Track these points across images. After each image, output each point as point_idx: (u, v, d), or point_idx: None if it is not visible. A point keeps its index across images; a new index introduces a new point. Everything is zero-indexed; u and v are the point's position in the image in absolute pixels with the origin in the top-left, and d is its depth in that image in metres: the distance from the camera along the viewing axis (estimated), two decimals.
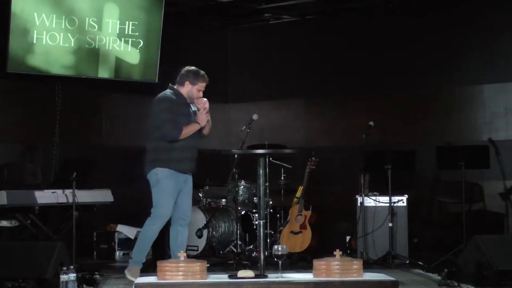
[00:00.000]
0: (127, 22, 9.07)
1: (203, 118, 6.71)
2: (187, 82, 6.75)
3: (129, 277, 6.62)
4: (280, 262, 5.73)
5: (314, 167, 8.69)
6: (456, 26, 9.59)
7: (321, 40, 10.44)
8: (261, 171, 6.28)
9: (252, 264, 7.64)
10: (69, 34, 8.70)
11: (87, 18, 8.80)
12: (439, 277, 6.68)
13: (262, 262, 6.11)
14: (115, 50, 9.06)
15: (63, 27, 8.64)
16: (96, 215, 8.47)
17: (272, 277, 5.75)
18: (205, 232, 8.77)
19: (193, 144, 6.75)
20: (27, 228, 7.91)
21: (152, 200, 6.75)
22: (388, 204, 8.33)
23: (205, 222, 8.78)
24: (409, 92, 9.85)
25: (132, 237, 8.80)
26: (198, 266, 5.64)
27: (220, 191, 9.41)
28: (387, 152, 8.46)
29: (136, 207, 9.00)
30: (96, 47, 8.93)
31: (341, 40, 10.32)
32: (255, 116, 8.09)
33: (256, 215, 8.15)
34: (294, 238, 8.64)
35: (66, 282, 5.33)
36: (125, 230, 8.86)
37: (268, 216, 8.55)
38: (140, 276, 6.42)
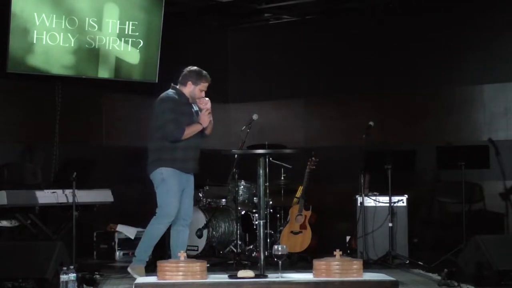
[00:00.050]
0: (127, 22, 9.07)
1: (206, 119, 6.72)
2: (189, 82, 6.76)
3: (134, 275, 6.61)
4: (280, 262, 5.74)
5: (314, 167, 8.69)
6: (456, 26, 9.59)
7: (321, 40, 10.44)
8: (261, 171, 6.29)
9: (252, 264, 7.64)
10: (69, 34, 8.70)
11: (87, 18, 8.80)
12: (439, 277, 6.68)
13: (262, 262, 6.12)
14: (115, 50, 9.06)
15: (63, 27, 8.64)
16: (96, 215, 8.47)
17: (272, 277, 5.75)
18: (205, 232, 8.78)
19: (196, 144, 6.77)
20: (27, 228, 7.91)
21: (156, 199, 6.74)
22: (388, 204, 8.33)
23: (205, 222, 8.79)
24: (409, 92, 9.85)
25: (132, 237, 8.80)
26: (198, 266, 5.64)
27: (220, 191, 9.42)
28: (387, 152, 8.46)
29: (136, 207, 9.04)
30: (96, 47, 8.93)
31: (341, 40, 10.32)
32: (255, 116, 8.10)
33: (256, 215, 8.14)
34: (294, 238, 8.64)
35: (66, 282, 5.33)
36: (125, 230, 8.86)
37: (268, 216, 8.55)
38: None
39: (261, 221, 6.29)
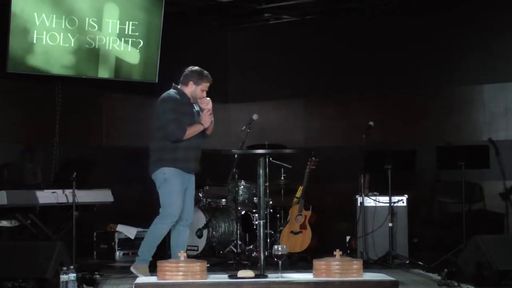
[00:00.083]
0: (127, 22, 9.07)
1: (207, 120, 6.73)
2: (191, 82, 6.77)
3: (138, 274, 6.60)
4: (280, 262, 5.74)
5: (314, 167, 8.69)
6: (456, 26, 9.59)
7: (321, 40, 10.44)
8: (261, 171, 6.29)
9: (252, 264, 7.64)
10: (69, 34, 8.70)
11: (87, 18, 8.80)
12: (439, 277, 6.68)
13: (262, 262, 6.12)
14: (115, 50, 9.06)
15: (63, 27, 8.64)
16: (96, 215, 8.47)
17: (272, 277, 5.75)
18: (205, 232, 8.78)
19: (197, 144, 6.78)
20: (27, 228, 7.91)
21: (157, 199, 6.74)
22: (388, 204, 8.33)
23: (205, 222, 8.79)
24: (409, 92, 9.85)
25: (132, 237, 8.80)
26: (198, 266, 5.64)
27: (220, 191, 9.42)
28: (387, 152, 8.46)
29: (136, 207, 9.04)
30: (96, 47, 8.93)
31: (341, 40, 10.32)
32: (255, 116, 8.10)
33: (256, 215, 8.14)
34: (294, 238, 8.64)
35: (66, 282, 5.33)
36: (125, 230, 8.86)
37: (268, 216, 8.55)
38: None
39: (261, 221, 6.29)
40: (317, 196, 9.11)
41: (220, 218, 9.03)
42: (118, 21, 9.01)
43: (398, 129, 9.81)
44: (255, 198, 8.96)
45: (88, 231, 8.86)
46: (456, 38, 9.61)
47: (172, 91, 6.80)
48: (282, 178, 9.14)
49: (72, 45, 8.74)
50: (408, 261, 8.15)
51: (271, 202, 8.89)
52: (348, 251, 8.68)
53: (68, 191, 7.77)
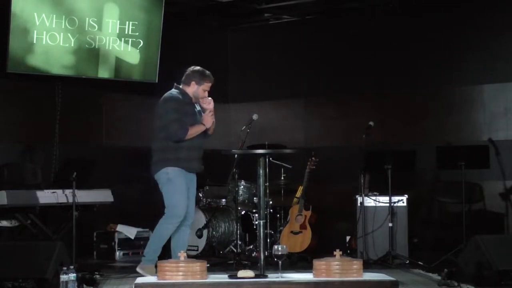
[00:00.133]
0: (127, 22, 9.07)
1: (209, 120, 6.74)
2: (193, 82, 6.78)
3: (144, 274, 6.60)
4: (280, 262, 5.74)
5: (314, 167, 8.69)
6: (456, 26, 9.59)
7: (321, 40, 10.44)
8: (261, 171, 6.29)
9: (252, 264, 7.64)
10: (69, 34, 8.70)
11: (87, 18, 8.80)
12: (439, 277, 6.67)
13: (262, 262, 6.12)
14: (115, 50, 9.06)
15: (63, 27, 8.64)
16: (96, 215, 8.47)
17: (272, 277, 5.75)
18: (205, 232, 8.78)
19: (199, 144, 6.79)
20: (27, 228, 7.91)
21: (158, 199, 6.75)
22: (388, 204, 8.33)
23: (205, 222, 8.78)
24: (409, 92, 9.85)
25: (132, 237, 8.81)
26: (198, 266, 5.64)
27: (220, 191, 9.41)
28: (387, 152, 8.46)
29: (136, 207, 9.05)
30: (96, 47, 8.92)
31: (341, 40, 10.32)
32: (255, 116, 8.10)
33: (256, 215, 8.14)
34: (294, 238, 8.64)
35: (66, 282, 5.33)
36: (125, 230, 8.86)
37: (268, 216, 8.55)
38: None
39: (261, 221, 6.29)
40: (317, 196, 9.11)
41: (220, 218, 9.03)
42: (118, 21, 9.01)
43: (398, 129, 9.81)
44: (255, 198, 8.96)
45: (88, 231, 8.86)
46: (456, 38, 9.61)
47: (174, 91, 6.80)
48: (282, 178, 9.14)
49: (72, 45, 8.74)
50: (408, 261, 8.15)
51: (271, 202, 8.88)
52: (348, 251, 8.68)
53: (68, 191, 7.77)
